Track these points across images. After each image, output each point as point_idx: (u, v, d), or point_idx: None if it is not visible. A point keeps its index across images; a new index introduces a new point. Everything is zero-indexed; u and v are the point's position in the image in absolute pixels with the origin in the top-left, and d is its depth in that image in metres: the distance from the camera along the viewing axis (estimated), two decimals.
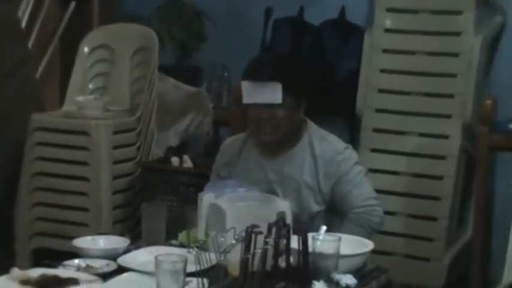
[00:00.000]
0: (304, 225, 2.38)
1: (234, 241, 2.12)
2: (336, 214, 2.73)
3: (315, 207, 2.70)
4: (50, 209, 3.83)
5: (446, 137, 3.87)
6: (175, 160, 3.88)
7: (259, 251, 2.11)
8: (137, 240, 2.57)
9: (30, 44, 4.33)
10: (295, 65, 2.84)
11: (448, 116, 3.87)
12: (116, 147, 3.81)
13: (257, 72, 2.68)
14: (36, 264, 2.46)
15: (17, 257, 3.80)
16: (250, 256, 2.11)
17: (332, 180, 2.70)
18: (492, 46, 3.98)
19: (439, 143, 3.89)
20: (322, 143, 2.74)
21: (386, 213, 3.70)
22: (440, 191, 3.88)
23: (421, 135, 3.92)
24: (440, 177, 3.88)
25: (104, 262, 2.30)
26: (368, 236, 2.56)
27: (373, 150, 4.00)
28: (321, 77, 4.18)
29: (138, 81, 4.10)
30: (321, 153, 2.72)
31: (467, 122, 3.83)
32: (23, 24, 4.29)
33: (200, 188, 2.58)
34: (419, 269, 3.88)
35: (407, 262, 3.88)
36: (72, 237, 2.50)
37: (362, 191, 2.70)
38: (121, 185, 3.85)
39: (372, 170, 3.89)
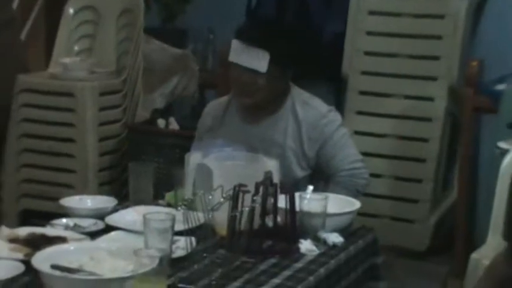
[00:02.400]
0: (291, 185, 2.39)
1: (221, 199, 2.12)
2: (320, 179, 2.73)
3: (300, 173, 2.70)
4: (36, 170, 3.83)
5: (431, 99, 3.88)
6: (161, 122, 3.88)
7: (247, 209, 2.12)
8: (124, 201, 2.57)
9: (14, 6, 4.28)
10: (286, 35, 2.83)
11: (434, 78, 3.88)
12: (101, 109, 3.80)
13: (249, 35, 2.66)
14: (24, 224, 2.46)
15: (4, 218, 3.79)
16: (237, 214, 2.12)
17: (317, 144, 2.69)
18: (478, 8, 3.98)
19: (424, 105, 3.90)
20: (306, 107, 2.73)
21: (372, 175, 3.73)
22: (426, 153, 3.90)
23: (407, 97, 3.94)
24: (425, 140, 3.90)
25: (91, 221, 2.29)
26: (354, 198, 2.56)
27: (359, 113, 4.01)
28: (306, 40, 4.16)
29: (123, 43, 4.07)
30: (304, 118, 2.70)
31: (453, 84, 3.84)
32: None
33: (186, 150, 2.57)
34: (404, 230, 3.92)
35: (393, 224, 3.92)
36: (59, 199, 2.49)
37: (347, 154, 2.69)
38: (107, 147, 3.85)
39: (357, 133, 3.92)
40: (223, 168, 2.31)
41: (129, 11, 4.07)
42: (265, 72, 2.63)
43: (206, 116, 2.88)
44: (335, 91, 4.19)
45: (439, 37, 3.87)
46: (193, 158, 2.42)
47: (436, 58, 3.88)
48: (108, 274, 1.84)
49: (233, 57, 2.67)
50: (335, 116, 2.75)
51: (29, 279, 1.89)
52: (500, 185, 2.58)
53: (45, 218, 2.37)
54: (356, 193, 2.60)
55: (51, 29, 4.20)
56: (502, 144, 3.12)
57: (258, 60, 2.63)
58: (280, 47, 2.66)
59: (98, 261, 1.90)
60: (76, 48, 4.12)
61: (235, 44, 2.67)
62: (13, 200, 3.86)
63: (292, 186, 2.30)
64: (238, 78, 2.68)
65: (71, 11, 4.09)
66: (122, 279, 1.80)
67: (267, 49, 2.62)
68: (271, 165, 2.35)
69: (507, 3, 3.96)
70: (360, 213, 2.41)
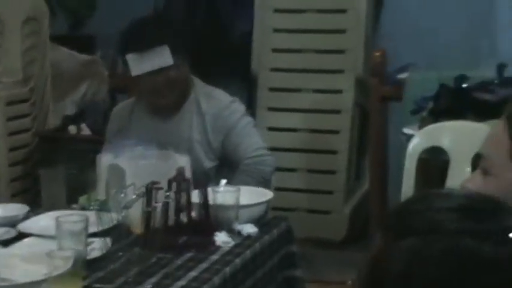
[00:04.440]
0: (202, 179, 2.41)
1: (134, 196, 2.13)
2: (228, 169, 2.75)
3: (208, 164, 2.70)
4: None
5: (339, 91, 3.97)
6: (72, 129, 3.84)
7: (160, 204, 2.13)
8: (37, 208, 2.54)
9: None
10: (167, 22, 2.84)
11: (341, 71, 3.97)
12: (9, 119, 3.73)
13: (139, 42, 2.63)
14: None
15: None
16: (151, 209, 2.12)
17: (221, 134, 2.70)
18: (378, 1, 4.09)
19: (333, 98, 3.99)
20: (209, 99, 2.74)
21: (286, 169, 3.82)
22: (337, 145, 3.99)
23: (316, 91, 4.01)
24: (336, 132, 3.99)
25: (3, 230, 2.24)
26: (260, 186, 2.57)
27: (270, 109, 4.06)
28: (215, 39, 4.20)
29: (29, 52, 4.00)
30: (208, 109, 2.71)
31: (359, 76, 3.94)
32: None
33: (98, 153, 2.56)
34: (321, 222, 3.99)
35: (310, 216, 3.99)
36: None
37: (251, 142, 2.70)
38: (18, 157, 3.78)
39: (270, 129, 3.97)
40: (135, 167, 2.30)
41: (33, 19, 4.00)
42: (173, 63, 2.63)
43: (114, 118, 2.86)
44: (246, 88, 4.23)
45: (343, 31, 3.96)
46: (105, 160, 2.41)
47: (341, 52, 3.97)
48: (21, 279, 1.82)
49: (136, 71, 2.63)
50: (238, 106, 2.76)
51: None
52: (407, 169, 2.65)
53: None
54: (262, 180, 2.60)
55: None
56: (407, 130, 3.22)
57: (161, 57, 2.62)
58: (170, 35, 2.66)
59: (11, 268, 1.88)
60: None
61: (130, 57, 2.63)
62: None
63: (204, 181, 2.31)
64: (152, 84, 2.66)
65: None
66: (36, 283, 1.78)
67: (161, 42, 2.60)
68: (183, 160, 2.36)
69: None
70: (275, 207, 2.45)
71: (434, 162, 2.85)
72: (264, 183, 2.58)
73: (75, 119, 3.95)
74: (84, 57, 4.24)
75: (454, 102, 3.21)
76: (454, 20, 4.08)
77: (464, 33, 4.09)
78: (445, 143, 2.65)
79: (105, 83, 4.15)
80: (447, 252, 0.90)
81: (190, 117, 2.72)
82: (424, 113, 3.36)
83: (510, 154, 1.38)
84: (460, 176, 2.47)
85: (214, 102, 2.73)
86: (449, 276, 0.89)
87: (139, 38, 2.66)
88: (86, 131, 3.82)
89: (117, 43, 4.33)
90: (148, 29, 2.73)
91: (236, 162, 2.68)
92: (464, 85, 3.37)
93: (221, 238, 2.20)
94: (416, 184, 2.61)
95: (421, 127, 3.02)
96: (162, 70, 2.64)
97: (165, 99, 2.70)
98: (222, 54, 4.18)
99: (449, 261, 0.90)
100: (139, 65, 2.63)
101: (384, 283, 0.92)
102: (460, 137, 2.65)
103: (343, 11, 3.95)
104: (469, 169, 2.43)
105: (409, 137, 2.84)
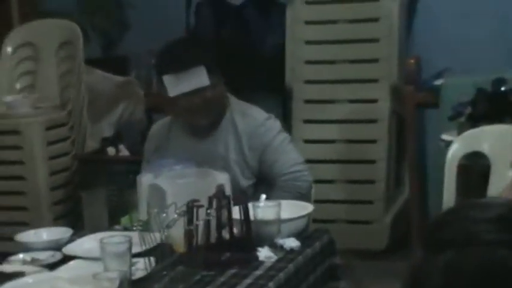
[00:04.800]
0: (243, 195, 2.42)
1: (175, 215, 2.14)
2: (266, 186, 2.75)
3: (245, 182, 2.70)
4: None
5: (375, 101, 3.96)
6: (111, 150, 3.88)
7: (202, 222, 2.14)
8: (80, 231, 2.57)
9: None
10: (202, 42, 2.88)
11: (375, 81, 3.96)
12: (49, 144, 3.81)
13: (175, 63, 2.66)
14: None
15: None
16: (193, 228, 2.14)
17: (257, 152, 2.70)
18: (410, 9, 4.08)
19: (368, 107, 3.98)
20: (244, 117, 2.74)
21: (325, 181, 3.81)
22: (375, 154, 3.97)
23: (351, 101, 4.01)
24: (373, 141, 3.97)
25: (49, 253, 2.28)
26: (298, 200, 2.57)
27: (306, 121, 4.07)
28: (247, 54, 4.21)
29: (65, 76, 4.08)
30: (244, 128, 2.71)
31: (394, 84, 3.92)
32: None
33: (138, 174, 2.58)
34: (362, 232, 3.97)
35: (350, 227, 3.97)
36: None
37: (287, 159, 2.70)
38: (59, 181, 3.84)
39: (306, 141, 3.97)
40: (175, 187, 2.32)
41: (68, 44, 4.08)
42: (209, 83, 2.65)
43: (151, 138, 2.89)
44: (281, 102, 4.24)
45: (376, 40, 3.95)
46: (145, 180, 2.43)
47: (375, 60, 3.96)
48: None
49: (173, 92, 2.64)
50: (273, 123, 2.76)
51: None
52: (448, 176, 2.63)
53: (3, 257, 2.35)
54: (299, 195, 2.59)
55: None
56: (446, 137, 3.19)
57: (197, 78, 2.64)
58: (205, 55, 2.69)
59: None
60: (18, 85, 4.10)
61: (167, 78, 2.65)
62: None
63: (244, 197, 2.32)
64: (189, 105, 2.67)
65: (9, 49, 4.08)
66: None
67: (198, 63, 2.63)
68: (222, 178, 2.37)
69: (436, 1, 4.07)
70: (316, 220, 2.45)
71: (475, 168, 2.82)
72: (301, 198, 2.58)
73: (113, 140, 3.99)
74: (119, 78, 4.29)
75: (493, 106, 3.18)
76: (485, 22, 4.05)
77: (498, 35, 4.05)
78: (485, 147, 2.63)
79: (141, 103, 4.19)
80: (483, 265, 0.89)
81: (226, 137, 2.73)
82: (462, 119, 3.33)
83: None
84: (502, 181, 2.45)
85: (249, 120, 2.73)
86: None
87: (175, 59, 2.69)
88: (124, 152, 3.86)
89: (151, 63, 4.42)
90: (183, 50, 2.75)
91: (273, 179, 2.68)
92: (502, 88, 3.34)
93: (264, 253, 2.20)
94: (457, 190, 2.59)
95: (459, 133, 3.00)
96: (198, 91, 2.65)
97: (201, 119, 2.71)
98: (255, 68, 4.19)
99: (484, 273, 0.89)
100: (176, 86, 2.65)
101: None
102: (500, 141, 2.63)
103: (375, 20, 3.95)
104: (511, 173, 2.41)
105: (448, 143, 2.83)
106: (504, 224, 0.92)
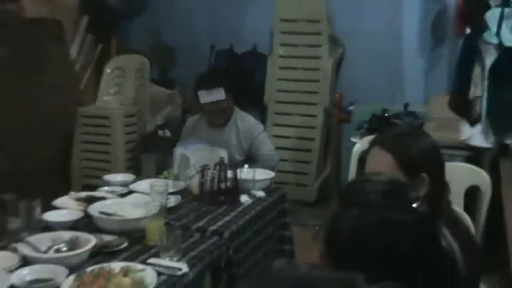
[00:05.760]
0: (234, 165, 2.42)
1: (194, 172, 2.15)
2: (251, 161, 2.76)
3: (239, 158, 2.70)
4: (90, 162, 3.76)
5: (315, 116, 3.96)
6: (160, 132, 3.88)
7: (209, 178, 2.14)
8: (140, 176, 2.56)
9: (77, 68, 4.21)
10: (222, 74, 2.87)
11: (316, 104, 3.96)
12: (126, 125, 3.77)
13: (206, 84, 2.66)
14: (84, 190, 2.42)
15: (73, 189, 3.71)
16: (204, 181, 2.14)
17: (248, 141, 2.71)
18: (338, 64, 4.09)
19: (311, 120, 3.97)
20: (242, 120, 2.74)
21: (283, 159, 3.80)
22: (312, 146, 3.98)
23: (301, 115, 4.00)
24: (312, 139, 3.98)
25: (121, 188, 2.27)
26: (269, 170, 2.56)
27: (275, 125, 4.05)
28: (245, 85, 4.20)
29: (138, 87, 4.05)
30: (242, 127, 2.72)
31: (326, 107, 3.93)
32: (73, 56, 4.15)
33: (174, 146, 2.57)
34: (301, 190, 3.97)
35: (295, 187, 3.96)
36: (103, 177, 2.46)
37: (266, 147, 2.71)
38: (130, 147, 3.79)
39: (275, 136, 3.97)
40: (195, 156, 2.32)
41: (140, 69, 4.05)
42: (225, 98, 2.65)
43: (185, 128, 2.88)
44: (262, 113, 4.24)
45: (317, 80, 3.95)
46: (178, 151, 2.42)
47: (316, 92, 3.96)
48: (130, 217, 1.86)
49: (203, 100, 2.65)
50: (259, 126, 2.77)
51: (86, 221, 1.89)
52: (352, 162, 2.64)
53: (95, 188, 2.35)
54: (270, 168, 2.57)
55: (97, 81, 4.14)
56: (353, 139, 3.21)
57: (218, 94, 2.64)
58: (223, 81, 2.68)
59: (125, 210, 1.91)
60: (111, 91, 4.07)
61: (200, 92, 2.64)
62: (78, 179, 3.79)
63: (235, 166, 2.33)
64: (211, 110, 2.67)
65: (108, 70, 4.04)
66: (139, 219, 1.82)
67: (219, 85, 2.64)
68: (223, 153, 2.38)
69: (359, 57, 4.02)
70: (276, 182, 2.44)
71: (366, 157, 2.83)
72: (271, 169, 2.58)
73: (162, 127, 3.99)
74: (168, 91, 4.28)
75: (380, 124, 3.21)
76: (380, 74, 4.06)
77: (387, 83, 4.07)
78: None
79: (180, 107, 4.19)
80: (376, 221, 0.86)
81: (230, 130, 2.73)
82: (363, 130, 3.36)
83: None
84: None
85: (245, 122, 2.74)
86: (377, 237, 0.85)
87: (206, 81, 2.68)
88: (167, 133, 3.86)
89: (188, 86, 4.39)
90: (211, 77, 2.76)
91: (256, 158, 2.69)
92: (386, 114, 3.36)
93: (244, 198, 2.21)
94: (357, 170, 2.61)
95: (361, 138, 3.02)
96: (218, 101, 2.65)
97: (218, 119, 2.71)
98: (249, 92, 4.19)
99: (376, 225, 0.86)
100: (205, 97, 2.64)
101: (336, 238, 0.88)
102: None
103: (318, 69, 3.95)
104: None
105: (354, 144, 2.84)
106: (387, 194, 0.90)
